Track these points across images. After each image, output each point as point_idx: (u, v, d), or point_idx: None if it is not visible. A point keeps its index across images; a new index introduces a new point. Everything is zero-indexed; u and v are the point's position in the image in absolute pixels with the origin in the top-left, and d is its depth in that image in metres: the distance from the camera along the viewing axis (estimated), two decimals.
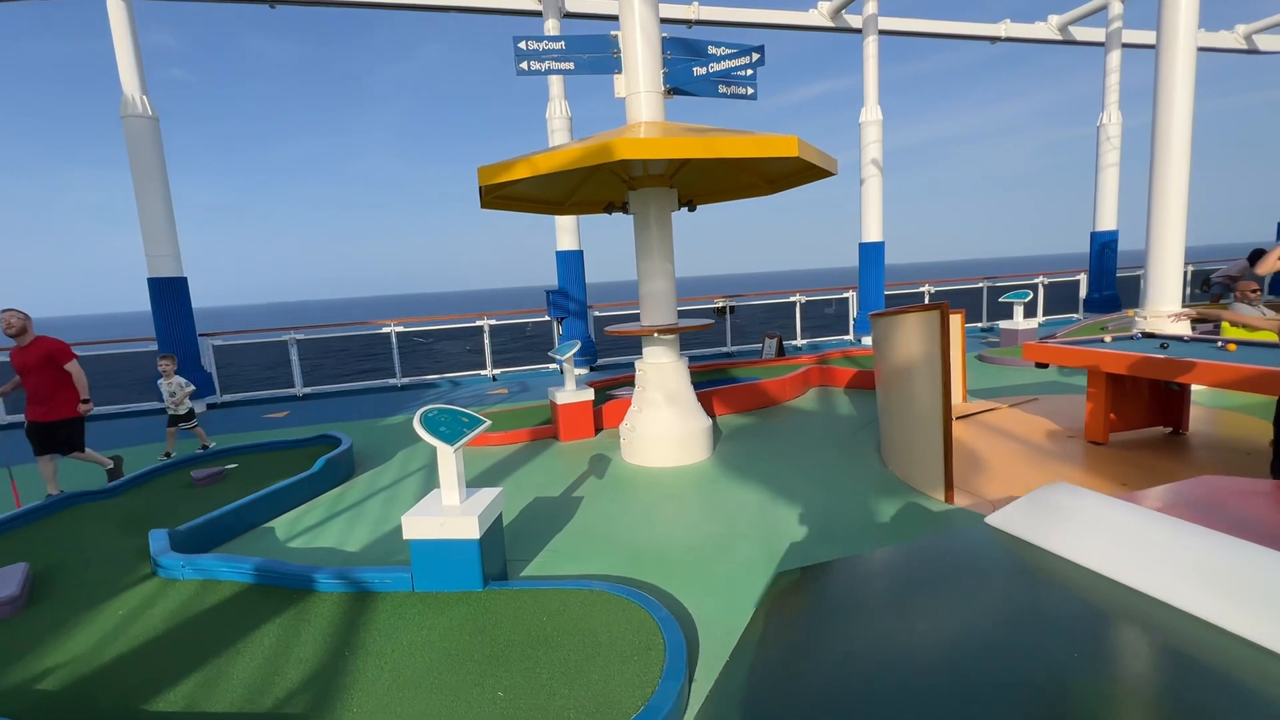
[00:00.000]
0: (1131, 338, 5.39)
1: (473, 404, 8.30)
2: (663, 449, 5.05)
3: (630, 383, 7.79)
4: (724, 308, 11.33)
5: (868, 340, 11.50)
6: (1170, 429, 5.03)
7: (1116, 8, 12.61)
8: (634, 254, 5.17)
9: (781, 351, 9.36)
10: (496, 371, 10.60)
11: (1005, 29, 13.07)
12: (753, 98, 5.23)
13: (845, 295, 12.21)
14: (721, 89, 5.14)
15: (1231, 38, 14.58)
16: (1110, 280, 13.31)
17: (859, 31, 11.42)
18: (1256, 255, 11.73)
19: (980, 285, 12.82)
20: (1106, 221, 13.29)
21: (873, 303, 11.47)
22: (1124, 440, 4.92)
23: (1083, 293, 13.58)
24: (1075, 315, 13.40)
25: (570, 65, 4.83)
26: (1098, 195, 13.42)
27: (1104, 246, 13.29)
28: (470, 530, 2.91)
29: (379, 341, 10.36)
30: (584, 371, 10.29)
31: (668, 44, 4.87)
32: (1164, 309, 6.63)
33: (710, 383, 8.01)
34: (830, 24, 11.85)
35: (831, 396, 7.28)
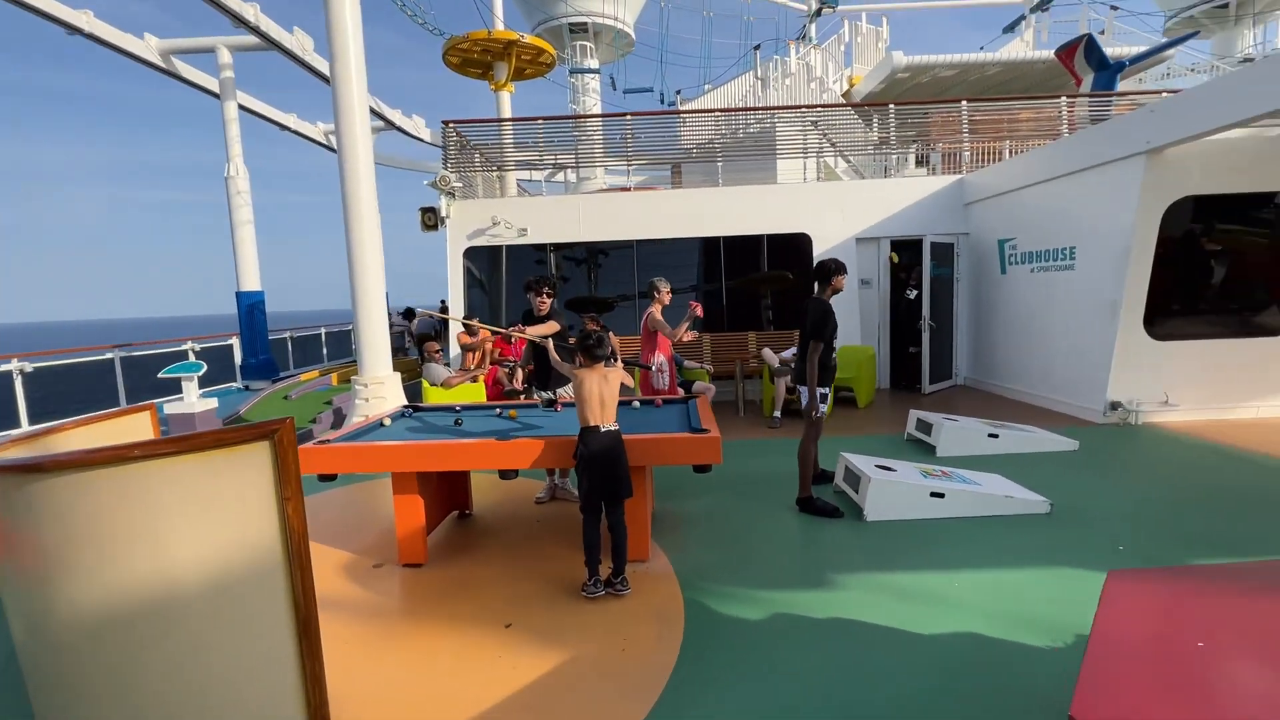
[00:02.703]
0: (403, 415, 4.46)
1: None
2: None
3: None
4: None
5: None
6: (459, 511, 4.40)
7: (225, 56, 11.83)
8: None
9: None
10: None
11: (87, 21, 9.96)
12: None
13: None
14: None
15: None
16: (264, 344, 12.48)
17: None
18: (409, 313, 13.73)
19: (110, 356, 9.23)
20: (251, 281, 12.38)
21: None
22: (432, 551, 3.89)
23: (238, 358, 12.16)
24: (235, 384, 11.81)
25: None
26: (238, 253, 12.34)
27: (252, 308, 12.32)
28: None
29: None
30: None
31: None
32: (380, 373, 6.16)
33: None
34: None
35: None
